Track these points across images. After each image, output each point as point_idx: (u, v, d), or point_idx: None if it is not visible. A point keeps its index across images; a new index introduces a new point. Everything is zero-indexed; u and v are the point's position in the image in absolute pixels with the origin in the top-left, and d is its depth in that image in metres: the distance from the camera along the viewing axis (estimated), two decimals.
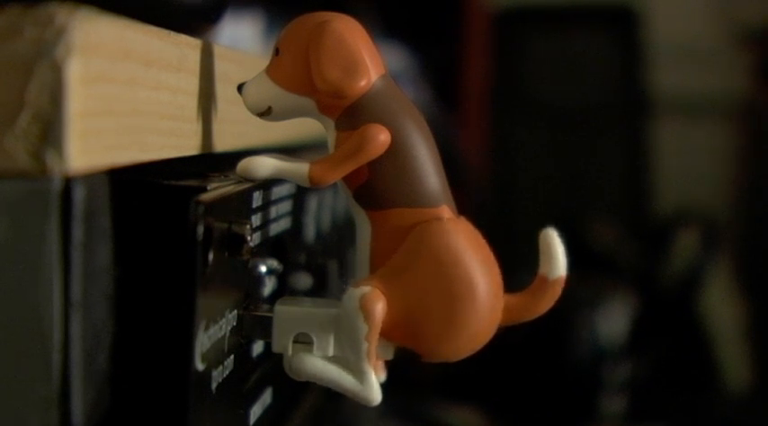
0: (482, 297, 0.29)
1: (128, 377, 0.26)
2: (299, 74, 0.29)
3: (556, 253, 0.31)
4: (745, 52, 1.55)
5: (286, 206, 0.36)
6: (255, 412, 0.34)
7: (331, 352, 0.30)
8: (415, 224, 0.29)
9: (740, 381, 1.23)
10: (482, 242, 0.30)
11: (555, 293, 0.31)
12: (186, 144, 0.30)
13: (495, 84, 1.42)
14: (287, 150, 0.32)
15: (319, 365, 0.30)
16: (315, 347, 0.30)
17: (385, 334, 0.29)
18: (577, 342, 0.97)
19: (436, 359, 0.30)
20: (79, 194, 0.23)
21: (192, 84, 0.30)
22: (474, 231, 0.30)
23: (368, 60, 0.29)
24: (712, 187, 1.54)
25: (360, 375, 0.29)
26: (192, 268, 0.26)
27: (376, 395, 0.30)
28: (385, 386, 0.30)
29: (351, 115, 0.29)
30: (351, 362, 0.29)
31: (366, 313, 0.29)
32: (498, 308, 0.30)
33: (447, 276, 0.29)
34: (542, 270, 0.31)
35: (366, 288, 0.29)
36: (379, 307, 0.29)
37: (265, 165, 0.29)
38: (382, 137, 0.29)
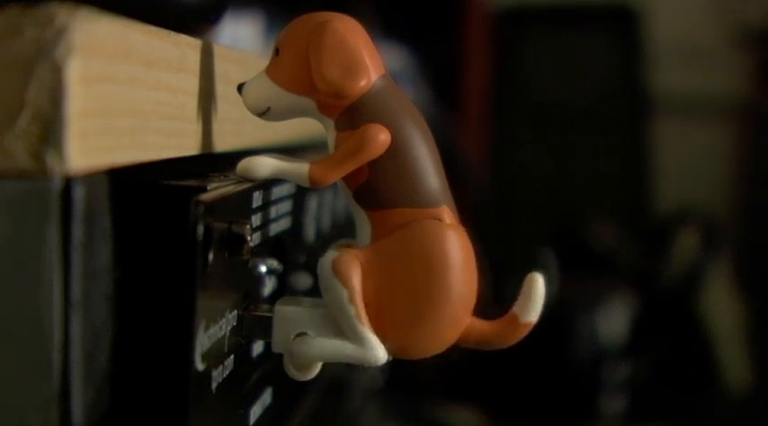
0: (456, 301, 0.29)
1: (128, 377, 0.26)
2: (298, 74, 0.29)
3: (536, 300, 0.31)
4: (745, 52, 1.55)
5: (286, 206, 0.36)
6: (255, 412, 0.34)
7: None
8: (414, 224, 0.29)
9: (740, 381, 1.23)
10: (471, 255, 0.30)
11: (521, 334, 0.31)
12: (186, 144, 0.30)
13: (495, 84, 1.42)
14: (287, 150, 0.32)
15: (318, 343, 0.30)
16: None
17: None
18: (577, 342, 0.97)
19: (394, 350, 0.30)
20: (79, 194, 0.23)
21: (192, 84, 0.30)
22: (467, 241, 0.30)
23: (368, 60, 0.29)
24: (712, 187, 1.54)
25: (357, 339, 0.29)
26: (192, 268, 0.26)
27: (380, 354, 0.29)
28: (385, 386, 0.30)
29: (351, 115, 0.29)
30: (345, 330, 0.29)
31: (340, 276, 0.29)
32: (462, 323, 0.30)
33: (430, 270, 0.29)
34: (517, 309, 0.31)
35: (335, 252, 0.29)
36: (355, 270, 0.29)
37: (265, 165, 0.29)
38: (382, 136, 0.29)
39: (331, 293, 0.29)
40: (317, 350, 0.30)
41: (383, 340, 0.29)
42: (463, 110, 1.29)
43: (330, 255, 0.29)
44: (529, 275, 0.31)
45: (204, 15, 0.32)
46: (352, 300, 0.29)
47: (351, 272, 0.29)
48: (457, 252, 0.29)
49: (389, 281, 0.29)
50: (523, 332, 0.31)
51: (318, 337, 0.30)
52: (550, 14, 1.56)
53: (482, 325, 0.31)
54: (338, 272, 0.29)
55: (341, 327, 0.29)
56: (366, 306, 0.29)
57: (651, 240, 1.27)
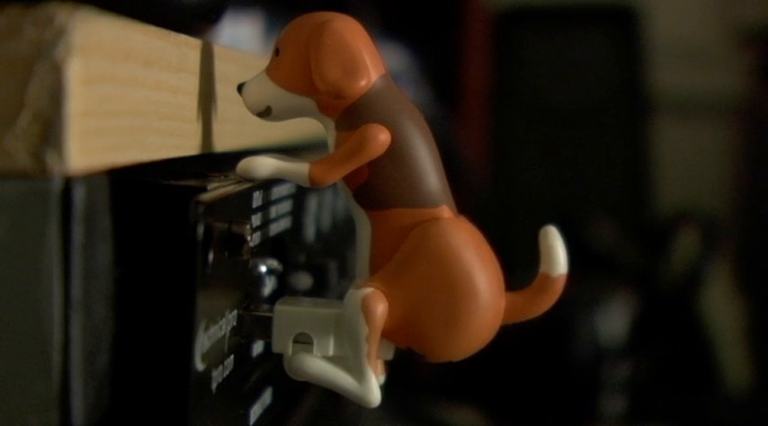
0: (483, 295, 0.29)
1: (128, 377, 0.26)
2: (299, 74, 0.29)
3: (557, 251, 0.31)
4: (745, 52, 1.55)
5: (286, 206, 0.36)
6: (255, 412, 0.34)
7: (331, 352, 0.30)
8: (415, 224, 0.29)
9: (740, 381, 1.23)
10: (482, 240, 0.30)
11: (557, 291, 0.31)
12: (186, 144, 0.30)
13: (495, 83, 1.42)
14: (287, 150, 0.32)
15: (319, 365, 0.30)
16: (315, 347, 0.30)
17: (387, 335, 0.29)
18: (577, 342, 0.97)
19: (439, 358, 0.30)
20: (79, 194, 0.23)
21: (192, 84, 0.30)
22: (474, 230, 0.30)
23: (368, 60, 0.29)
24: (712, 187, 1.54)
25: (359, 376, 0.29)
26: (192, 268, 0.26)
27: (375, 397, 0.30)
28: (385, 386, 0.30)
29: (351, 115, 0.29)
30: (350, 363, 0.29)
31: (367, 314, 0.29)
32: (500, 306, 0.30)
33: (447, 275, 0.29)
34: (543, 268, 0.31)
35: (367, 290, 0.29)
36: (381, 309, 0.29)
37: (265, 165, 0.29)
38: (382, 137, 0.29)
39: (352, 326, 0.29)
40: (316, 371, 0.30)
41: (433, 352, 0.29)
42: (463, 110, 1.29)
43: (361, 293, 0.29)
44: (542, 230, 0.31)
45: (204, 15, 0.32)
46: (369, 339, 0.29)
47: (377, 312, 0.29)
48: (467, 243, 0.29)
49: (416, 293, 0.29)
50: (559, 288, 0.31)
51: (320, 359, 0.30)
52: (550, 14, 1.56)
53: (518, 298, 0.31)
54: (366, 312, 0.29)
55: (348, 358, 0.29)
56: (402, 326, 0.29)
57: (651, 240, 1.26)
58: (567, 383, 0.97)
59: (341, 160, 0.29)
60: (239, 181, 0.30)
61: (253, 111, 0.30)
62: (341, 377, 0.30)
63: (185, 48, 0.29)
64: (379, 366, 0.30)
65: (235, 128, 0.34)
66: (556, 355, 0.97)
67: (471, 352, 0.30)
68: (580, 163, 1.51)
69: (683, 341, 1.19)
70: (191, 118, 0.30)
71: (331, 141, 0.30)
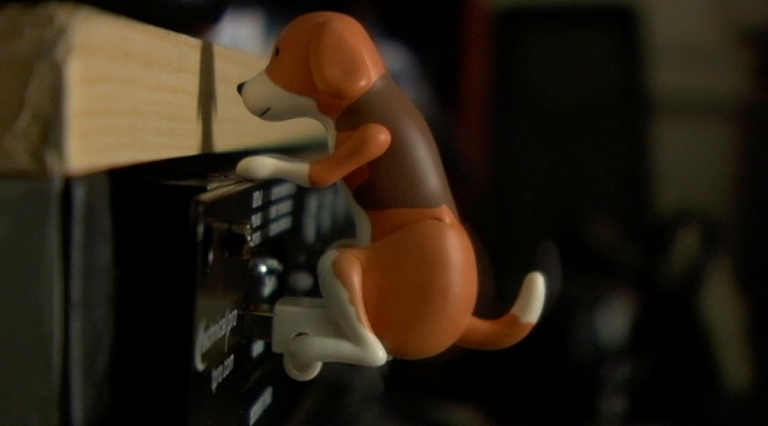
0: (452, 304, 0.29)
1: (128, 377, 0.26)
2: (299, 74, 0.29)
3: (536, 300, 0.31)
4: (745, 52, 1.55)
5: (286, 206, 0.36)
6: (255, 412, 0.34)
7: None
8: (414, 224, 0.29)
9: (740, 381, 1.23)
10: (472, 253, 0.30)
11: (521, 335, 0.31)
12: (186, 144, 0.30)
13: (495, 83, 1.42)
14: (287, 150, 0.32)
15: (318, 341, 0.30)
16: None
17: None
18: (577, 342, 0.97)
19: (395, 350, 0.30)
20: (79, 194, 0.23)
21: (192, 84, 0.30)
22: (467, 242, 0.30)
23: (368, 60, 0.29)
24: (712, 187, 1.54)
25: (357, 339, 0.29)
26: (192, 268, 0.26)
27: (379, 355, 0.30)
28: (385, 386, 0.30)
29: (351, 115, 0.29)
30: (345, 330, 0.29)
31: (341, 275, 0.29)
32: (462, 323, 0.30)
33: (430, 270, 0.29)
34: (516, 310, 0.31)
35: (334, 253, 0.29)
36: (354, 269, 0.29)
37: (265, 165, 0.29)
38: (382, 137, 0.29)
39: (331, 293, 0.29)
40: (317, 349, 0.30)
41: (382, 339, 0.29)
42: (463, 110, 1.29)
43: (330, 255, 0.29)
44: (529, 275, 0.31)
45: (204, 15, 0.32)
46: (352, 300, 0.29)
47: (351, 273, 0.29)
48: (456, 252, 0.29)
49: (389, 281, 0.29)
50: (523, 333, 0.31)
51: (318, 336, 0.30)
52: (550, 14, 1.56)
53: (482, 325, 0.31)
54: (339, 272, 0.29)
55: (341, 327, 0.29)
56: (366, 305, 0.29)
57: (651, 240, 1.26)
58: (567, 383, 0.97)
59: (341, 160, 0.29)
60: (239, 181, 0.30)
61: (252, 111, 0.30)
62: (342, 346, 0.29)
63: (185, 48, 0.29)
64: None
65: (235, 128, 0.34)
66: (556, 355, 0.97)
67: (426, 354, 0.30)
68: (580, 163, 1.51)
69: (683, 341, 1.19)
70: (190, 118, 0.30)
71: (331, 141, 0.30)
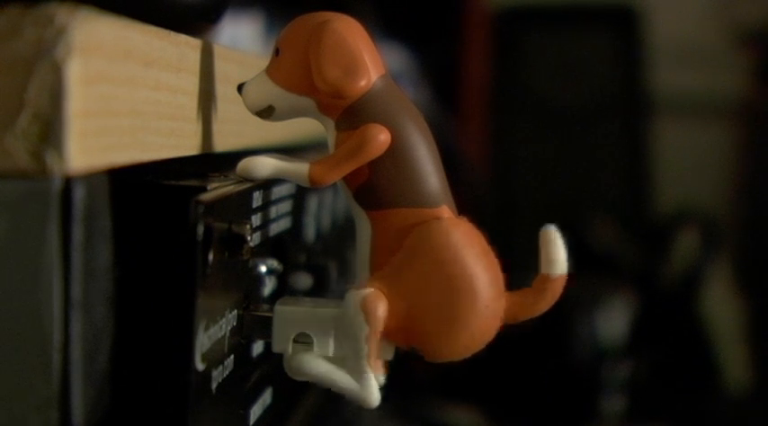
0: (483, 295, 0.29)
1: (128, 377, 0.26)
2: (299, 74, 0.29)
3: (557, 252, 0.30)
4: (745, 52, 1.55)
5: (286, 206, 0.36)
6: (255, 412, 0.34)
7: (331, 352, 0.30)
8: (415, 224, 0.29)
9: (740, 381, 1.23)
10: (482, 241, 0.30)
11: (557, 291, 0.31)
12: (186, 144, 0.30)
13: (495, 84, 1.42)
14: (287, 150, 0.32)
15: (318, 365, 0.30)
16: (315, 347, 0.30)
17: (387, 335, 0.29)
18: (577, 342, 0.97)
19: (439, 358, 0.30)
20: (79, 194, 0.23)
21: (192, 84, 0.30)
22: (474, 230, 0.30)
23: (368, 60, 0.29)
24: (712, 187, 1.54)
25: (359, 376, 0.29)
26: (192, 268, 0.26)
27: (374, 397, 0.30)
28: (385, 386, 0.30)
29: (351, 115, 0.29)
30: (350, 363, 0.29)
31: (368, 314, 0.29)
32: (500, 306, 0.30)
33: (447, 275, 0.29)
34: (544, 268, 0.31)
35: (368, 290, 0.29)
36: (381, 309, 0.29)
37: (265, 165, 0.29)
38: (382, 137, 0.29)
39: (353, 327, 0.29)
40: (315, 371, 0.30)
41: (433, 352, 0.29)
42: (463, 110, 1.29)
43: (362, 293, 0.29)
44: (542, 231, 0.31)
45: (204, 15, 0.32)
46: (369, 340, 0.29)
47: (377, 313, 0.29)
48: (466, 245, 0.29)
49: (417, 293, 0.29)
50: (559, 288, 0.30)
51: (320, 358, 0.30)
52: (550, 14, 1.56)
53: (518, 298, 0.30)
54: (366, 311, 0.29)
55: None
56: (402, 326, 0.29)
57: (651, 240, 1.26)
58: (567, 383, 0.97)
59: (341, 160, 0.29)
60: (239, 181, 0.30)
61: (252, 111, 0.30)
62: (340, 377, 0.30)
63: (185, 48, 0.29)
64: (380, 365, 0.30)
65: (235, 128, 0.34)
66: (556, 355, 0.97)
67: (471, 352, 0.30)
68: (580, 163, 1.51)
69: (683, 342, 1.19)
70: (191, 118, 0.30)
71: (331, 141, 0.30)
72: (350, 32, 0.29)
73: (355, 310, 0.29)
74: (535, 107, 1.53)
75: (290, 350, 0.30)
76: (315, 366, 0.30)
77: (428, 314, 0.29)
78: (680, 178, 1.53)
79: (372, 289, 0.29)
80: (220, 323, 0.28)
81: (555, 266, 0.30)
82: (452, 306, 0.29)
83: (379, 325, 0.29)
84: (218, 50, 0.32)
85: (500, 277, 0.30)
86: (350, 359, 0.29)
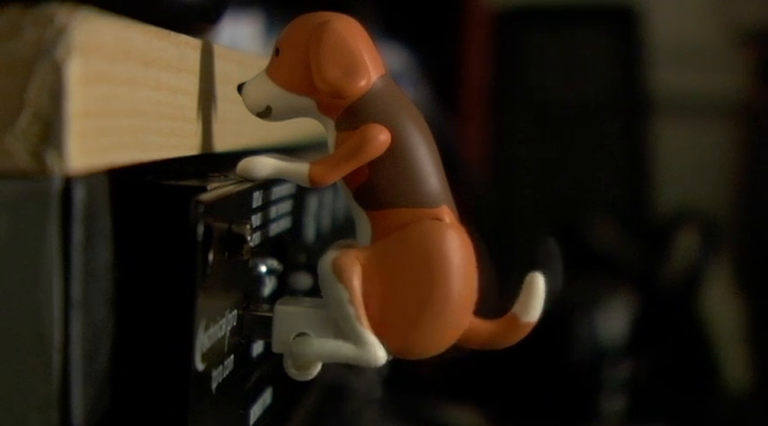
0: (453, 304, 0.29)
1: (128, 377, 0.26)
2: (299, 74, 0.29)
3: (536, 300, 0.31)
4: (745, 52, 1.55)
5: (286, 206, 0.36)
6: (255, 412, 0.34)
7: None
8: (414, 224, 0.29)
9: (740, 381, 1.23)
10: (471, 255, 0.30)
11: (521, 334, 0.31)
12: (186, 144, 0.30)
13: (495, 84, 1.42)
14: (287, 150, 0.32)
15: (318, 342, 0.30)
16: None
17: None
18: (577, 342, 0.97)
19: (395, 350, 0.30)
20: (79, 194, 0.23)
21: (192, 84, 0.30)
22: (468, 242, 0.30)
23: (368, 60, 0.29)
24: (712, 187, 1.54)
25: (357, 339, 0.29)
26: (192, 268, 0.26)
27: (379, 355, 0.29)
28: (385, 386, 0.30)
29: (351, 115, 0.29)
30: (346, 331, 0.29)
31: (341, 275, 0.29)
32: (464, 322, 0.30)
33: (430, 271, 0.29)
34: (517, 309, 0.31)
35: (335, 253, 0.29)
36: (355, 270, 0.29)
37: (265, 165, 0.29)
38: (382, 137, 0.29)
39: (331, 293, 0.29)
40: (316, 349, 0.30)
41: (383, 339, 0.29)
42: (463, 111, 1.29)
43: (330, 255, 0.29)
44: (529, 275, 0.31)
45: (204, 15, 0.32)
46: (352, 301, 0.29)
47: (351, 273, 0.29)
48: (457, 252, 0.29)
49: (389, 281, 0.29)
50: (524, 332, 0.31)
51: (318, 337, 0.30)
52: (550, 14, 1.56)
53: (483, 325, 0.31)
54: (339, 273, 0.29)
55: (341, 327, 0.29)
56: (367, 305, 0.29)
57: (651, 240, 1.27)
58: (567, 383, 0.97)
59: (341, 160, 0.29)
60: (239, 181, 0.30)
61: (252, 111, 0.30)
62: (341, 347, 0.29)
63: (185, 48, 0.29)
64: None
65: (235, 128, 0.34)
66: (556, 355, 0.97)
67: (426, 354, 0.30)
68: (580, 163, 1.51)
69: (683, 342, 1.19)
70: (191, 118, 0.30)
71: (331, 141, 0.30)
72: (350, 32, 0.29)
73: (328, 274, 0.29)
74: (535, 107, 1.53)
75: (290, 349, 0.30)
76: (314, 343, 0.30)
77: (398, 302, 0.29)
78: (680, 178, 1.53)
79: (339, 251, 0.29)
80: (220, 323, 0.28)
81: (528, 313, 0.31)
82: (425, 302, 0.29)
83: (356, 286, 0.29)
84: (218, 50, 0.32)
85: (474, 295, 0.30)
86: (343, 328, 0.29)
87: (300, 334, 0.30)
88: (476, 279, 0.30)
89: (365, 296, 0.29)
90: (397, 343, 0.30)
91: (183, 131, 0.29)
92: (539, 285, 0.31)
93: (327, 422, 0.47)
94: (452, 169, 0.31)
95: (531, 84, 1.53)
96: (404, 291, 0.29)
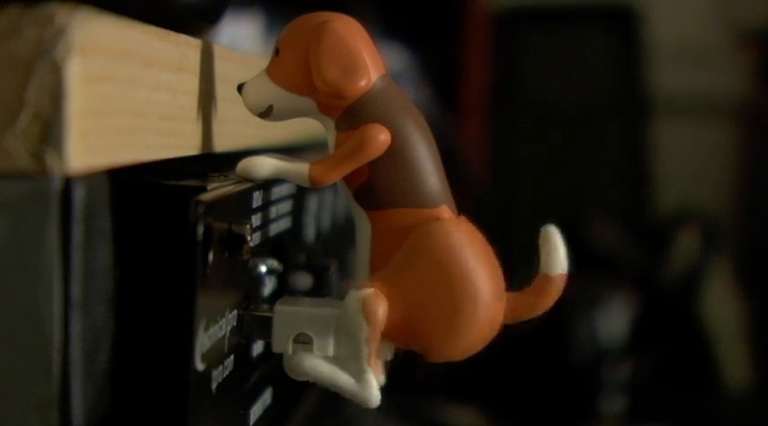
0: (483, 295, 0.29)
1: (128, 377, 0.26)
2: (299, 74, 0.29)
3: (557, 251, 0.30)
4: (745, 52, 1.55)
5: (286, 206, 0.36)
6: (255, 412, 0.34)
7: (331, 352, 0.30)
8: (415, 224, 0.29)
9: (740, 381, 1.23)
10: (482, 241, 0.30)
11: (557, 290, 0.31)
12: (186, 144, 0.30)
13: (495, 84, 1.42)
14: (287, 150, 0.32)
15: (318, 365, 0.30)
16: (315, 347, 0.30)
17: (387, 336, 0.29)
18: (577, 342, 0.97)
19: (439, 358, 0.30)
20: (79, 194, 0.23)
21: (192, 84, 0.30)
22: (474, 230, 0.30)
23: (368, 60, 0.29)
24: (712, 187, 1.54)
25: (359, 376, 0.29)
26: (192, 268, 0.26)
27: (375, 397, 0.30)
28: (385, 386, 0.30)
29: (351, 115, 0.29)
30: (350, 363, 0.29)
31: (368, 315, 0.29)
32: (500, 307, 0.30)
33: (447, 275, 0.29)
34: (543, 267, 0.31)
35: (368, 291, 0.29)
36: (381, 310, 0.29)
37: (265, 165, 0.29)
38: (382, 137, 0.29)
39: (352, 328, 0.29)
40: (315, 371, 0.30)
41: (433, 352, 0.29)
42: (463, 111, 1.29)
43: (362, 293, 0.29)
44: (543, 230, 0.31)
45: (204, 15, 0.32)
46: (369, 340, 0.29)
47: (377, 314, 0.29)
48: (467, 246, 0.29)
49: (417, 294, 0.29)
50: (560, 287, 0.30)
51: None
52: (550, 14, 1.56)
53: (518, 298, 0.30)
54: (366, 311, 0.29)
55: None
56: (402, 326, 0.29)
57: (651, 240, 1.27)
58: (567, 383, 0.97)
59: (341, 160, 0.29)
60: (239, 181, 0.30)
61: (252, 111, 0.30)
62: (340, 378, 0.30)
63: (185, 48, 0.29)
64: (379, 366, 0.30)
65: (235, 128, 0.34)
66: (556, 355, 0.97)
67: (471, 352, 0.30)
68: (580, 163, 1.51)
69: (683, 341, 1.19)
70: (191, 118, 0.30)
71: (331, 141, 0.30)
72: (350, 32, 0.29)
73: (355, 311, 0.29)
74: (535, 107, 1.53)
75: (290, 350, 0.30)
76: (315, 366, 0.30)
77: (428, 314, 0.29)
78: (680, 178, 1.53)
79: (372, 290, 0.29)
80: (220, 323, 0.28)
81: (554, 265, 0.30)
82: (452, 308, 0.29)
83: (380, 326, 0.29)
84: (218, 50, 0.32)
85: (500, 277, 0.30)
86: (350, 360, 0.29)
87: (300, 334, 0.30)
88: (494, 260, 0.30)
89: (394, 318, 0.29)
90: (443, 350, 0.30)
91: (182, 131, 0.29)
92: (554, 236, 0.31)
93: (327, 422, 0.47)
94: (452, 169, 0.31)
95: (531, 85, 1.53)
96: (430, 301, 0.29)
